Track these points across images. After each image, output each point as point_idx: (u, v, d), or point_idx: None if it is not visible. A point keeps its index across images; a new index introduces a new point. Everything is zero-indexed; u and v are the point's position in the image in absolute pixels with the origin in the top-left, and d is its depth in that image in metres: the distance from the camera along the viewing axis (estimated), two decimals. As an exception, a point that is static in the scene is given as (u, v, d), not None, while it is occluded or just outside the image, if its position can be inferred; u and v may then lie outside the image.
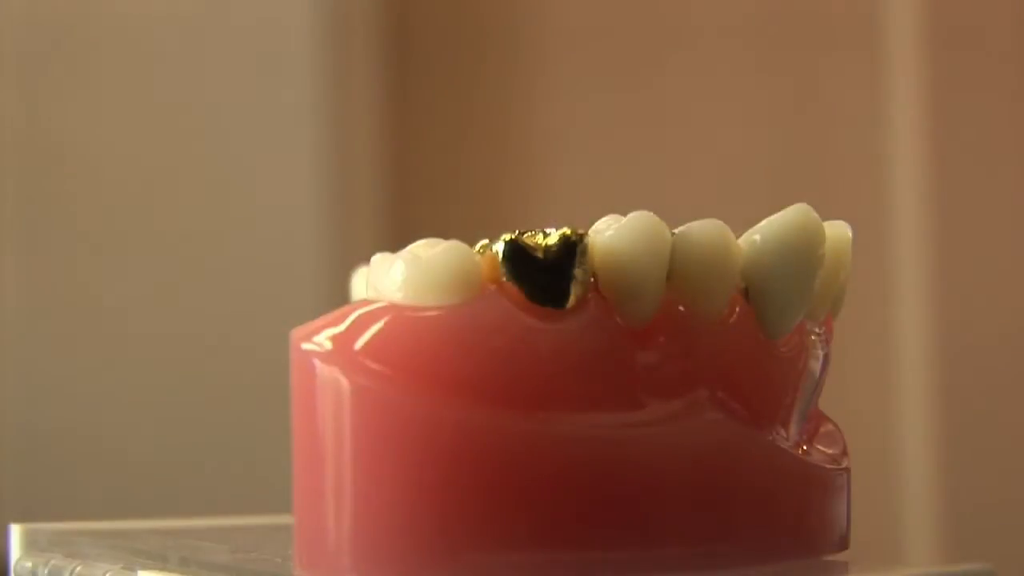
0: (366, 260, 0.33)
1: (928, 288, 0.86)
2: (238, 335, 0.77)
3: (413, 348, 0.29)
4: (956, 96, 0.86)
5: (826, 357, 0.34)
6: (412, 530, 0.29)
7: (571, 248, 0.30)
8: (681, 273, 0.31)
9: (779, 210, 0.32)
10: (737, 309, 0.31)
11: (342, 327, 0.30)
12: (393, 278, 0.30)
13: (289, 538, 0.32)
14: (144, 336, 0.77)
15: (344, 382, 0.29)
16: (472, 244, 0.30)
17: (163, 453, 0.76)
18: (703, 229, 0.31)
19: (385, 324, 0.29)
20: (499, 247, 0.30)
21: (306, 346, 0.30)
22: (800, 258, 0.32)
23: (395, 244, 0.32)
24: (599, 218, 0.31)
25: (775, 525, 0.32)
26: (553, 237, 0.30)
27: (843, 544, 0.34)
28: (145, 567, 0.34)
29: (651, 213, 0.31)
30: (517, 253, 0.30)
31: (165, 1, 0.79)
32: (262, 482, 0.64)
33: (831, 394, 0.35)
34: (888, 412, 0.86)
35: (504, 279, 0.30)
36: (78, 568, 0.36)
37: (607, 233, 0.30)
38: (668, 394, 0.30)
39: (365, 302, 0.30)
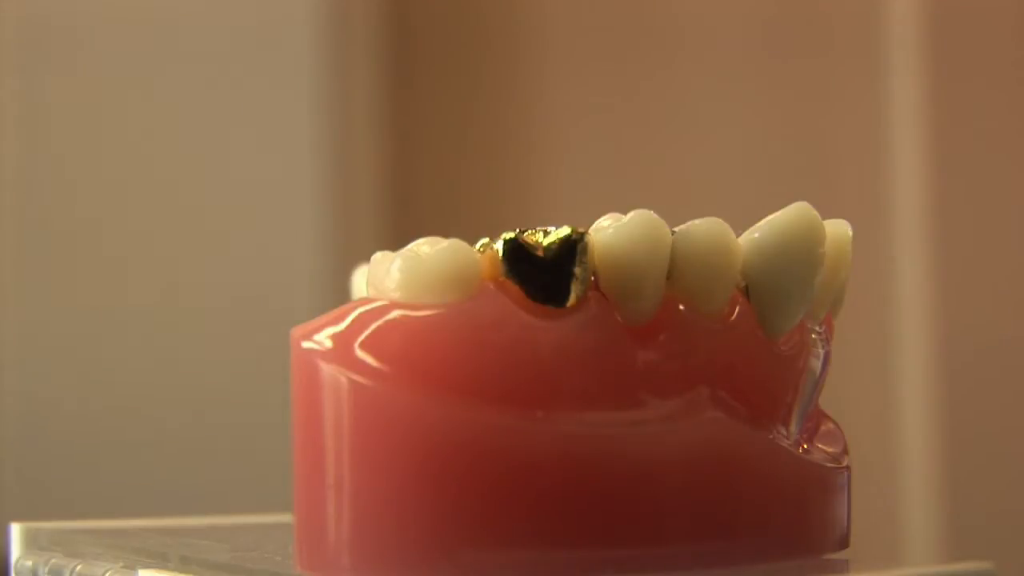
0: (366, 259, 0.33)
1: (928, 287, 0.86)
2: (238, 335, 0.77)
3: (413, 346, 0.29)
4: (956, 96, 0.86)
5: (827, 356, 0.34)
6: (412, 528, 0.29)
7: (571, 246, 0.30)
8: (681, 272, 0.31)
9: (779, 209, 0.32)
10: (737, 308, 0.31)
11: (342, 325, 0.30)
12: (393, 276, 0.30)
13: (289, 537, 0.32)
14: (144, 335, 0.77)
15: (344, 380, 0.29)
16: (473, 243, 0.30)
17: (163, 453, 0.76)
18: (703, 227, 0.31)
19: (385, 322, 0.29)
20: (499, 245, 0.30)
21: (306, 344, 0.30)
22: (800, 257, 0.32)
23: (395, 243, 0.32)
24: (600, 216, 0.31)
25: (775, 524, 0.32)
26: (553, 235, 0.30)
27: (843, 543, 0.34)
28: (145, 566, 0.34)
29: (651, 212, 0.31)
30: (517, 251, 0.30)
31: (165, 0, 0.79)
32: (262, 481, 0.64)
33: (831, 393, 0.35)
34: (888, 412, 0.86)
35: (504, 277, 0.30)
36: (78, 567, 0.36)
37: (608, 231, 0.30)
38: (668, 392, 0.30)
39: (365, 300, 0.30)
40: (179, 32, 0.78)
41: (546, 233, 0.30)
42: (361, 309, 0.30)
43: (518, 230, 0.30)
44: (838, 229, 0.34)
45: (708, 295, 0.31)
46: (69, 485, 0.76)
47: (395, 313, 0.29)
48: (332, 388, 0.29)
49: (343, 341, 0.29)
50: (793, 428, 0.33)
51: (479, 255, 0.30)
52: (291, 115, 0.78)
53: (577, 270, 0.30)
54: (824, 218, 0.32)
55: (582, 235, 0.30)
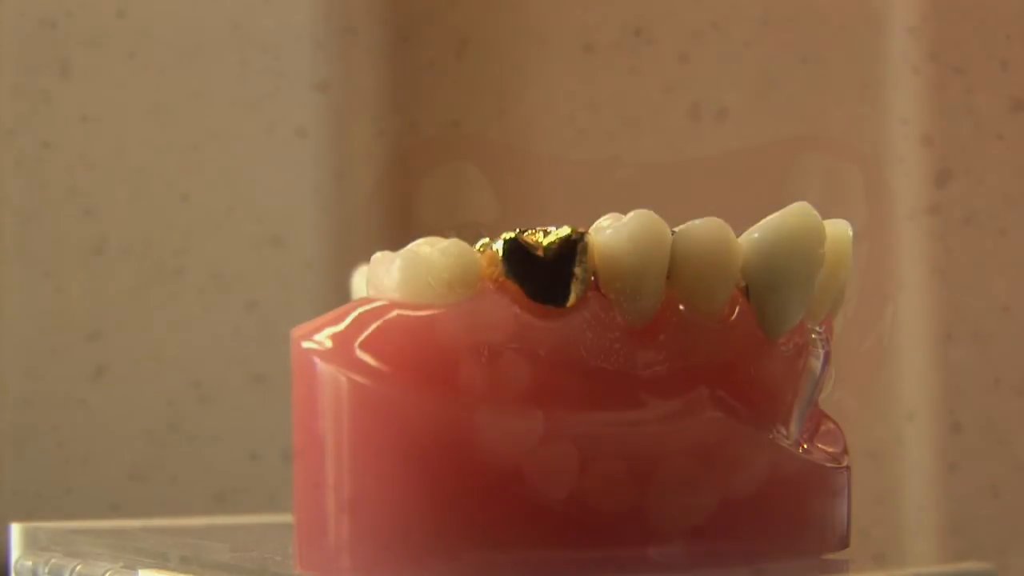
0: (366, 259, 0.33)
1: (928, 287, 0.86)
2: (238, 335, 0.77)
3: (413, 346, 0.29)
4: (956, 96, 0.86)
5: (827, 356, 0.34)
6: (412, 528, 0.29)
7: (571, 246, 0.30)
8: (681, 271, 0.31)
9: (779, 209, 0.32)
10: (737, 308, 0.31)
11: (342, 325, 0.30)
12: (393, 276, 0.30)
13: (289, 537, 0.32)
14: (144, 336, 0.77)
15: (344, 380, 0.29)
16: (473, 243, 0.30)
17: (163, 453, 0.76)
18: (703, 227, 0.31)
19: (385, 322, 0.29)
20: (499, 245, 0.30)
21: (306, 344, 0.30)
22: (800, 257, 0.32)
23: (395, 243, 0.32)
24: (600, 216, 0.31)
25: (775, 524, 0.32)
26: (553, 235, 0.30)
27: (843, 543, 0.34)
28: (145, 566, 0.34)
29: (651, 212, 0.31)
30: (517, 251, 0.30)
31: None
32: (262, 481, 0.64)
33: (831, 393, 0.35)
34: (888, 411, 0.86)
35: (504, 277, 0.30)
36: (78, 567, 0.36)
37: (607, 232, 0.30)
38: (668, 392, 0.30)
39: (365, 300, 0.30)
40: (178, 31, 0.78)
41: (546, 233, 0.30)
42: (361, 309, 0.30)
43: (518, 230, 0.30)
44: (838, 229, 0.34)
45: (708, 295, 0.31)
46: (69, 485, 0.76)
47: (395, 313, 0.29)
48: (332, 388, 0.29)
49: (343, 341, 0.29)
50: (793, 428, 0.33)
51: (479, 255, 0.30)
52: (291, 115, 0.78)
53: (577, 270, 0.30)
54: (824, 218, 0.32)
55: (582, 235, 0.30)
